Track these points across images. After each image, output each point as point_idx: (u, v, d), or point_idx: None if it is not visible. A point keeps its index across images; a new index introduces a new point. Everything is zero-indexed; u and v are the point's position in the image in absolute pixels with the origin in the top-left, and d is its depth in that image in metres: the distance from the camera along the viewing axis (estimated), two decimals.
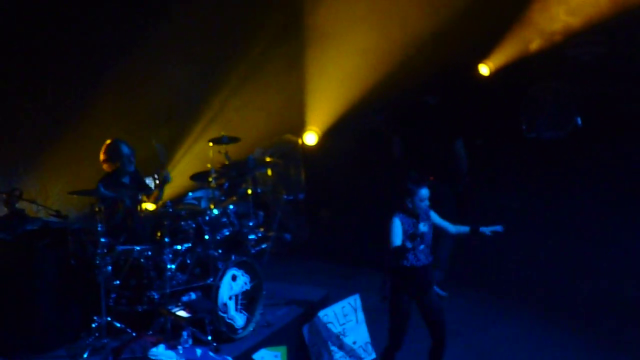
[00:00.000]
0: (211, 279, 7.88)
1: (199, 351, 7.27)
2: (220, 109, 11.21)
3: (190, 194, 9.06)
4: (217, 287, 7.82)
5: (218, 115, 11.12)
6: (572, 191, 12.10)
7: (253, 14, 11.55)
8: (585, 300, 9.71)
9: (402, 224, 7.37)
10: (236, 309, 7.98)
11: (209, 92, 11.30)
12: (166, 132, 10.97)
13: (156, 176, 8.26)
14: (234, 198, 8.97)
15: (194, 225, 8.22)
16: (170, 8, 10.76)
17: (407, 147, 10.37)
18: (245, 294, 8.08)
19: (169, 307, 7.51)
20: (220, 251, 8.25)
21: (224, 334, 7.83)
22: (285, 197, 11.59)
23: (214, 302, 7.76)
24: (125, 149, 8.25)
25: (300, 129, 11.83)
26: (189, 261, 8.07)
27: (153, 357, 7.15)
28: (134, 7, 10.46)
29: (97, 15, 10.10)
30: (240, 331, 8.00)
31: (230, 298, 7.93)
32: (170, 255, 7.88)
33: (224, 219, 8.51)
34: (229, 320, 7.90)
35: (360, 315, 8.68)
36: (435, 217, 7.58)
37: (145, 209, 8.34)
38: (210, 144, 8.96)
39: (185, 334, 7.29)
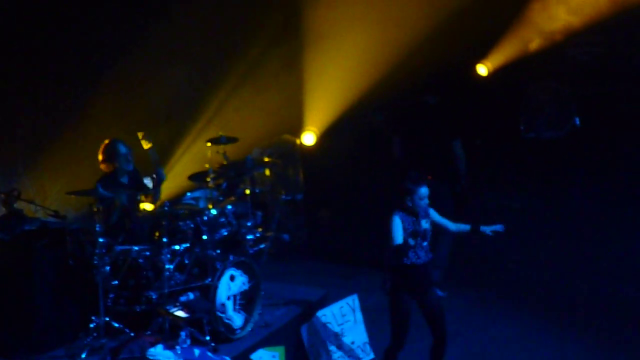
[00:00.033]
0: (209, 279, 7.89)
1: (197, 351, 7.28)
2: (218, 109, 11.21)
3: (188, 194, 9.07)
4: (215, 287, 7.83)
5: (216, 115, 11.11)
6: (571, 191, 12.11)
7: (252, 14, 11.55)
8: (585, 300, 9.71)
9: (402, 222, 7.38)
10: (234, 309, 7.99)
11: (208, 92, 11.30)
12: (165, 132, 10.97)
13: (154, 176, 8.25)
14: (232, 198, 8.98)
15: (192, 226, 8.23)
16: (170, 8, 10.76)
17: (407, 146, 10.37)
18: (243, 294, 8.08)
19: (167, 307, 7.52)
20: (218, 251, 8.26)
21: (222, 334, 7.83)
22: (284, 197, 11.61)
23: (212, 302, 7.77)
24: (122, 149, 8.25)
25: (298, 129, 11.83)
26: (187, 261, 8.08)
27: (151, 357, 7.16)
28: (133, 7, 10.46)
29: (96, 15, 10.09)
30: (238, 331, 8.00)
31: (228, 298, 7.94)
32: (169, 255, 7.89)
33: (222, 219, 8.52)
34: (227, 321, 7.90)
35: (359, 315, 8.68)
36: (434, 215, 7.59)
37: (144, 209, 8.34)
38: (209, 144, 8.96)
39: (183, 334, 7.29)
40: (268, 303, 8.56)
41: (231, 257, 8.06)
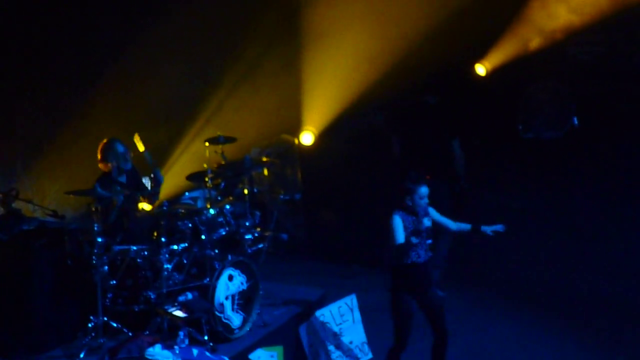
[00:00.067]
0: (208, 279, 7.89)
1: (195, 351, 7.27)
2: (217, 108, 11.21)
3: (186, 193, 9.08)
4: (214, 287, 7.83)
5: (215, 115, 11.12)
6: (571, 191, 12.10)
7: (250, 14, 11.54)
8: (584, 299, 9.72)
9: (403, 221, 7.39)
10: (233, 309, 7.99)
11: (206, 92, 11.31)
12: (164, 132, 10.98)
13: (152, 176, 8.25)
14: (231, 198, 8.98)
15: (190, 225, 8.24)
16: (169, 8, 10.76)
17: (406, 146, 10.38)
18: (241, 293, 8.09)
19: (166, 307, 7.49)
20: (216, 251, 8.26)
21: (221, 334, 7.84)
22: (282, 197, 11.62)
23: (210, 302, 7.78)
24: (120, 148, 8.25)
25: (296, 129, 11.83)
26: (185, 261, 8.09)
27: (150, 357, 7.14)
28: (132, 7, 10.46)
29: (95, 15, 10.10)
30: (236, 331, 8.01)
31: (226, 298, 7.94)
32: (167, 255, 7.89)
33: (221, 219, 8.52)
34: (225, 320, 7.91)
35: (357, 315, 8.69)
36: (435, 214, 7.59)
37: (142, 209, 8.34)
38: (207, 143, 8.96)
39: (181, 333, 7.27)
40: (266, 303, 8.56)
41: (229, 257, 8.06)
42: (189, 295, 7.75)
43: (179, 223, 8.20)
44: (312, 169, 12.03)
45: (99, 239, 7.58)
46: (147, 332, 7.59)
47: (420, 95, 10.43)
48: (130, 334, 7.66)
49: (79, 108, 9.98)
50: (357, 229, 11.52)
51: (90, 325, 7.61)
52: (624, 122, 12.18)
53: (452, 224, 7.69)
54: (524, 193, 12.18)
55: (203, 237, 8.24)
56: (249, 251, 8.72)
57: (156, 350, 7.16)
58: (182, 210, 8.37)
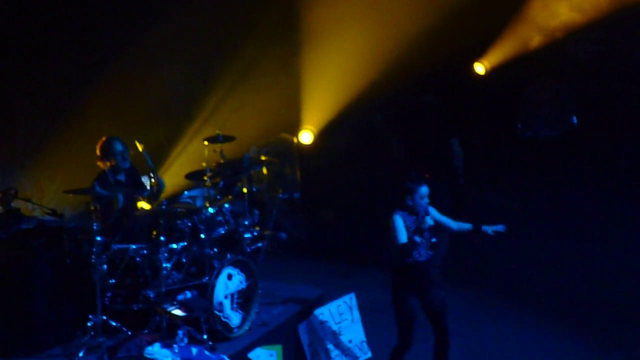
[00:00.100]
0: (207, 278, 7.88)
1: (194, 350, 7.28)
2: (216, 107, 11.22)
3: (185, 192, 9.07)
4: (213, 286, 7.82)
5: (214, 114, 11.12)
6: (571, 191, 12.08)
7: (249, 13, 11.54)
8: (584, 299, 9.73)
9: (404, 221, 7.39)
10: (232, 308, 7.98)
11: (205, 91, 11.32)
12: (162, 131, 10.98)
13: (151, 175, 8.25)
14: (230, 197, 8.98)
15: (189, 224, 8.23)
16: (168, 8, 10.76)
17: (406, 146, 10.38)
18: (240, 292, 8.08)
19: (165, 306, 7.50)
20: (215, 250, 8.26)
21: (220, 333, 7.83)
22: (281, 195, 11.61)
23: (209, 300, 7.76)
24: (118, 146, 8.25)
25: (295, 128, 11.84)
26: (184, 260, 8.09)
27: (149, 356, 7.15)
28: (131, 7, 10.46)
29: (94, 15, 10.11)
30: (235, 330, 8.00)
31: (225, 297, 7.93)
32: (166, 254, 7.89)
33: (220, 218, 8.52)
34: (224, 319, 7.90)
35: (356, 314, 8.69)
36: (435, 214, 7.58)
37: (141, 208, 8.33)
38: (206, 142, 8.95)
39: (180, 332, 7.29)
40: (265, 302, 8.56)
41: (229, 256, 8.05)
42: (188, 294, 7.76)
43: (178, 222, 8.19)
44: (311, 168, 12.04)
45: (98, 238, 7.57)
46: (146, 331, 7.60)
47: (420, 94, 10.43)
48: (129, 332, 7.65)
49: (77, 107, 9.98)
50: (356, 228, 11.53)
51: (89, 324, 7.59)
52: (624, 122, 12.18)
53: (452, 224, 7.69)
54: (524, 193, 12.18)
55: (202, 236, 8.23)
56: (248, 250, 8.72)
57: (155, 349, 7.17)
58: (181, 209, 8.36)
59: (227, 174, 9.05)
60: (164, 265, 7.83)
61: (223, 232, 8.50)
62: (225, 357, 7.43)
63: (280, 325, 8.35)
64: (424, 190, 7.43)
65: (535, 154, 12.53)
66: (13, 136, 9.54)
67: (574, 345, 8.68)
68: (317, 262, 11.23)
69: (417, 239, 7.25)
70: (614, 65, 12.32)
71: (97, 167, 8.30)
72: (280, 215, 11.35)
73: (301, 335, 8.38)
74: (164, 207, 7.98)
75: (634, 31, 12.01)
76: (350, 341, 8.59)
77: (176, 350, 7.18)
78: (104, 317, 7.63)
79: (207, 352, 7.36)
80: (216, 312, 7.81)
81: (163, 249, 7.86)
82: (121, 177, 8.30)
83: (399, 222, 7.37)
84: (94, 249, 7.56)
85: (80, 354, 7.42)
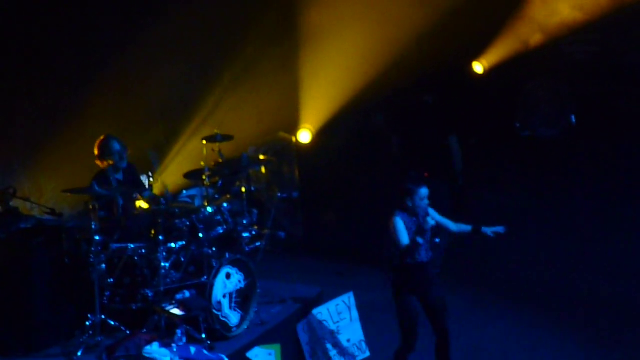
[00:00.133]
0: (205, 277, 7.88)
1: (193, 349, 7.29)
2: (214, 107, 11.23)
3: (184, 192, 9.05)
4: (211, 285, 7.82)
5: (212, 113, 11.13)
6: (571, 191, 12.10)
7: (248, 13, 11.55)
8: (584, 299, 9.72)
9: (404, 222, 7.39)
10: (230, 307, 7.98)
11: (204, 90, 11.32)
12: (161, 130, 10.98)
13: (150, 174, 8.23)
14: (228, 196, 8.97)
15: (188, 223, 8.23)
16: (167, 8, 10.76)
17: (405, 145, 10.39)
18: (239, 292, 8.08)
19: (163, 305, 7.50)
20: (214, 249, 8.26)
21: (218, 332, 7.82)
22: (279, 195, 11.62)
23: (208, 300, 7.76)
24: (116, 146, 8.25)
25: (294, 127, 11.85)
26: (183, 259, 8.08)
27: (147, 355, 7.16)
28: (130, 6, 10.46)
29: (94, 15, 10.10)
30: (234, 329, 8.00)
31: (224, 296, 7.93)
32: (165, 253, 7.89)
33: (218, 217, 8.51)
34: (223, 319, 7.90)
35: (355, 313, 8.68)
36: (435, 215, 7.57)
37: (140, 207, 8.33)
38: (204, 142, 8.96)
39: (179, 332, 7.29)
40: (264, 301, 8.55)
41: (227, 255, 8.05)
42: (187, 294, 7.75)
43: (177, 221, 8.18)
44: (309, 167, 12.05)
45: (97, 237, 7.57)
46: (145, 330, 7.60)
47: (418, 94, 10.44)
48: (127, 332, 7.64)
49: (76, 107, 9.97)
50: (355, 227, 11.53)
51: (87, 323, 7.58)
52: (623, 121, 12.19)
53: (452, 226, 7.69)
54: (524, 193, 12.19)
55: (200, 235, 8.23)
56: (247, 249, 8.72)
57: (154, 348, 7.18)
58: (180, 209, 8.35)
59: (225, 173, 9.05)
60: (163, 264, 7.83)
61: (221, 231, 8.50)
62: (223, 356, 7.43)
63: (279, 325, 8.34)
64: (424, 191, 7.43)
65: (534, 154, 12.55)
66: (12, 135, 9.52)
67: (574, 345, 8.67)
68: (315, 261, 11.22)
69: (420, 240, 7.24)
70: (611, 66, 12.34)
71: (96, 166, 8.30)
72: (279, 215, 11.35)
73: (300, 335, 8.38)
74: (162, 206, 7.97)
75: (629, 32, 12.03)
76: (348, 340, 8.59)
77: (175, 350, 7.18)
78: (103, 317, 7.62)
79: (205, 352, 7.36)
80: (215, 312, 7.81)
81: (161, 248, 7.86)
82: (119, 176, 8.30)
83: (400, 223, 7.37)
84: (93, 248, 7.56)
85: (79, 353, 7.42)
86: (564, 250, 10.95)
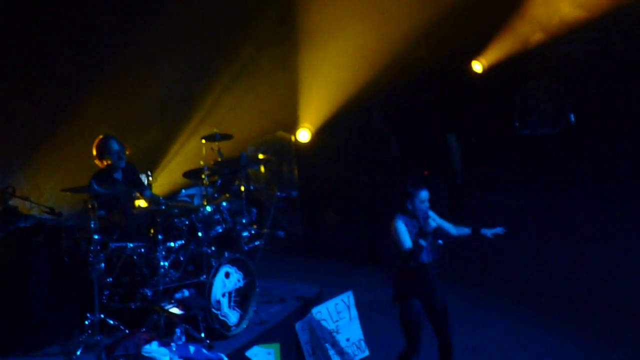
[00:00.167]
0: (204, 276, 7.88)
1: (192, 348, 7.29)
2: (213, 106, 11.24)
3: (183, 191, 9.07)
4: (210, 284, 7.82)
5: (211, 113, 11.13)
6: (571, 191, 12.11)
7: (246, 12, 11.56)
8: (584, 299, 9.70)
9: (405, 225, 7.37)
10: (229, 306, 7.98)
11: (203, 90, 11.32)
12: (160, 130, 10.98)
13: (149, 173, 8.24)
14: (227, 195, 8.97)
15: (187, 223, 8.23)
16: (167, 8, 10.77)
17: (404, 144, 10.39)
18: (238, 291, 8.08)
19: (162, 304, 7.50)
20: (213, 248, 8.26)
21: (217, 331, 7.82)
22: (279, 194, 11.62)
23: (207, 299, 7.76)
24: (115, 145, 8.24)
25: (293, 126, 11.86)
26: (182, 258, 8.08)
27: (146, 354, 7.16)
28: (129, 6, 10.47)
29: (94, 15, 10.11)
30: (233, 328, 7.99)
31: (223, 295, 7.93)
32: (164, 252, 7.89)
33: (217, 216, 8.51)
34: (222, 318, 7.90)
35: (354, 312, 8.67)
36: (436, 218, 7.52)
37: (139, 206, 8.34)
38: (203, 141, 8.97)
39: (178, 331, 7.29)
40: (263, 300, 8.55)
41: (226, 254, 8.05)
42: (186, 293, 7.76)
43: (176, 220, 8.19)
44: (308, 166, 12.05)
45: (96, 236, 7.57)
46: (144, 330, 7.59)
47: (417, 92, 10.44)
48: (127, 331, 7.65)
49: (75, 106, 9.98)
50: (354, 226, 11.53)
51: (87, 322, 7.59)
52: (623, 121, 12.20)
53: (452, 229, 7.66)
54: (524, 193, 12.19)
55: (200, 234, 8.23)
56: (246, 248, 8.73)
57: (153, 347, 7.18)
58: (179, 208, 8.35)
59: (224, 173, 9.05)
60: (162, 263, 7.84)
61: (221, 230, 8.50)
62: (222, 355, 7.43)
63: (278, 324, 8.34)
64: (424, 194, 7.40)
65: (534, 153, 12.56)
66: (10, 135, 9.52)
67: (574, 345, 8.66)
68: (314, 261, 11.21)
69: (423, 242, 7.23)
70: (610, 65, 12.35)
71: (95, 165, 8.31)
72: (278, 214, 11.35)
73: (299, 334, 8.37)
74: (161, 205, 7.97)
75: (629, 31, 12.04)
76: (347, 339, 8.58)
77: (174, 349, 7.18)
78: (102, 316, 7.63)
79: (204, 351, 7.37)
80: (214, 311, 7.81)
81: (161, 247, 7.87)
82: (118, 176, 8.30)
83: (402, 227, 7.35)
84: (92, 247, 7.57)
85: (78, 353, 7.42)
86: (564, 250, 10.94)
